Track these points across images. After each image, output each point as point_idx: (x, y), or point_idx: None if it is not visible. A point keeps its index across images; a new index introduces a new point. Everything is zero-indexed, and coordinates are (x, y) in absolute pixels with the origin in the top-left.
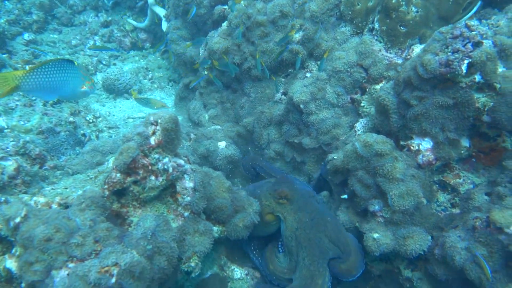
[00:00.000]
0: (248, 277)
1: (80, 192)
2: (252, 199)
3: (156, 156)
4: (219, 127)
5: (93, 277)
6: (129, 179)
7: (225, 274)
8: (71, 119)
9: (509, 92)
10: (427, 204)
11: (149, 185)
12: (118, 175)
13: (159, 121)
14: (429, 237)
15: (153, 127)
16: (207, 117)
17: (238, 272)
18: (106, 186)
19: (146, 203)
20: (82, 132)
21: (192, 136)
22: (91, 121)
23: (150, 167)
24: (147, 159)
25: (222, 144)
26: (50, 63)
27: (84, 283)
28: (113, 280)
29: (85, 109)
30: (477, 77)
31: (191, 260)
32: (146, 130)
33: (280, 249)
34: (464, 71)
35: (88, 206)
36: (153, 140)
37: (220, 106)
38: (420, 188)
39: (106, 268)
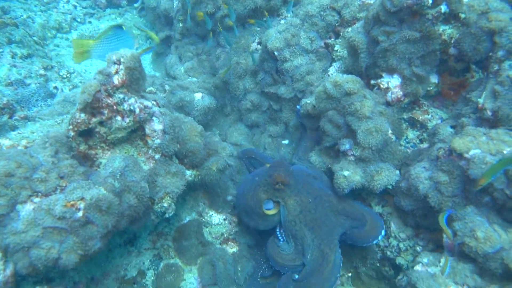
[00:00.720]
0: (226, 222)
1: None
2: (225, 143)
3: (121, 96)
4: (195, 79)
5: (59, 210)
6: (94, 119)
7: (203, 219)
8: (42, 72)
9: (474, 22)
10: (395, 140)
11: (116, 125)
12: (82, 115)
13: (122, 59)
14: (397, 172)
15: (116, 66)
16: (183, 70)
17: (216, 217)
18: (70, 127)
19: (115, 145)
20: (54, 85)
21: (167, 87)
22: (64, 76)
23: (115, 107)
24: (111, 99)
25: (198, 96)
26: (111, 33)
27: (50, 216)
28: (80, 213)
29: (59, 65)
30: (443, 8)
31: (164, 201)
32: (108, 69)
33: (280, 238)
34: (430, 1)
35: (51, 145)
36: (116, 79)
37: (196, 58)
38: (389, 125)
39: (72, 202)
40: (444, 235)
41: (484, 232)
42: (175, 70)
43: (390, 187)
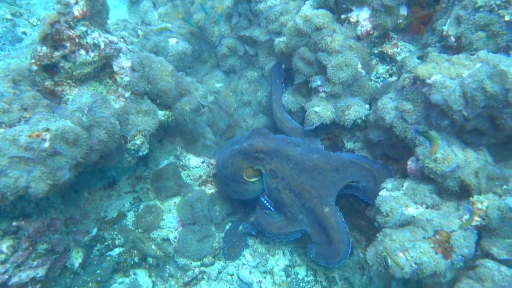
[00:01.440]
0: (204, 165)
1: None
2: (198, 84)
3: (83, 28)
4: (169, 25)
5: (24, 140)
6: (56, 53)
7: (181, 163)
8: (8, 16)
9: None
10: (365, 75)
11: (80, 60)
12: (44, 48)
13: None
14: (367, 106)
15: None
16: (157, 16)
17: (194, 161)
18: (33, 61)
19: (82, 82)
20: (22, 30)
21: (140, 32)
22: (35, 24)
23: (77, 40)
24: (72, 31)
25: (172, 41)
26: None
27: (15, 146)
28: (46, 144)
29: (28, 12)
30: None
31: (136, 138)
32: None
33: (267, 205)
34: None
35: (12, 77)
36: (76, 10)
37: (170, 3)
38: (358, 59)
39: (37, 133)
40: (409, 162)
41: (443, 153)
42: (149, 16)
43: (360, 121)
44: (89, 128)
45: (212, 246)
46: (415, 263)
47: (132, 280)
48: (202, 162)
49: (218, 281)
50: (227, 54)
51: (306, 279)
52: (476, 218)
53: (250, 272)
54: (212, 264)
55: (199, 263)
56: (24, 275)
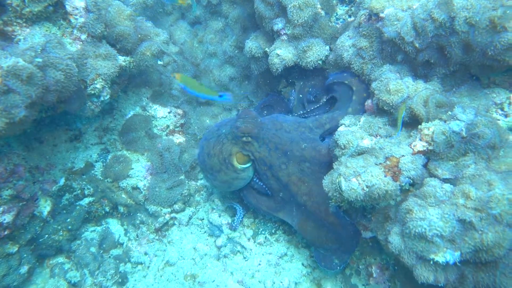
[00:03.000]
0: (171, 115)
1: None
2: (160, 29)
3: None
4: None
5: None
6: None
7: (147, 113)
8: None
9: None
10: (325, 16)
11: None
12: None
13: None
14: (327, 47)
15: None
16: None
17: (160, 111)
18: None
19: (34, 22)
20: None
21: None
22: None
23: None
24: None
25: None
26: None
27: None
28: None
29: None
30: None
31: (96, 82)
32: None
33: (257, 181)
34: None
35: None
36: None
37: None
38: None
39: None
40: (368, 101)
41: (395, 85)
42: None
43: (321, 62)
44: (44, 68)
45: (182, 193)
46: (366, 186)
47: (104, 228)
48: (169, 112)
49: (189, 226)
50: (191, 4)
51: (274, 219)
52: (423, 143)
53: (220, 216)
54: (183, 210)
55: (169, 209)
56: None
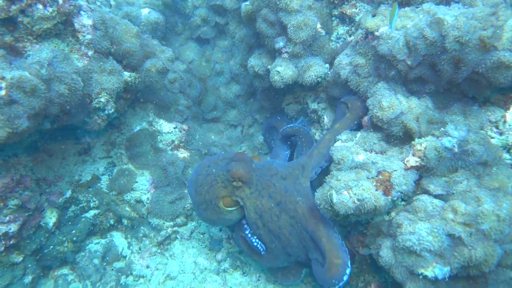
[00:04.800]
0: (176, 130)
1: None
2: (165, 47)
3: None
4: None
5: None
6: (13, 6)
7: (154, 128)
8: None
9: None
10: (325, 35)
11: (38, 14)
12: (0, 1)
13: None
14: (327, 66)
15: None
16: None
17: (166, 126)
18: None
19: (44, 38)
20: None
21: (112, 2)
22: None
23: None
24: None
25: (145, 11)
26: None
27: None
28: (2, 92)
29: None
30: None
31: (100, 96)
32: None
33: (247, 232)
34: None
35: None
36: None
37: None
38: (317, 18)
39: None
40: (365, 117)
41: (388, 101)
42: None
43: (321, 79)
44: (49, 81)
45: (184, 207)
46: (358, 200)
47: (108, 241)
48: (174, 128)
49: (190, 240)
50: (200, 24)
51: None
52: (416, 158)
53: (220, 230)
54: (185, 224)
55: (171, 223)
56: None
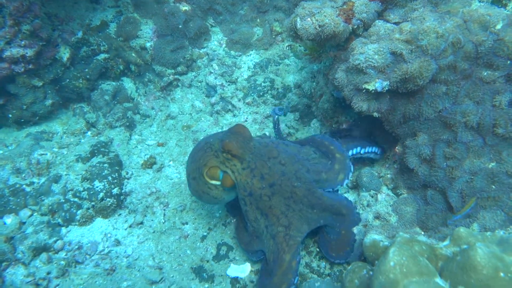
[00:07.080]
0: None
1: None
2: None
3: None
4: None
5: None
6: None
7: None
8: None
9: None
10: None
11: None
12: None
13: None
14: None
15: None
16: None
17: None
18: None
19: None
20: None
21: None
22: None
23: None
24: None
25: None
26: None
27: None
28: None
29: None
30: None
31: None
32: None
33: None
34: None
35: None
36: None
37: None
38: None
39: None
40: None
41: None
42: None
43: None
44: None
45: (184, 57)
46: (319, 25)
47: (119, 84)
48: None
49: (190, 88)
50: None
51: (263, 84)
52: None
53: (215, 78)
54: (186, 73)
55: (173, 70)
56: (15, 51)
